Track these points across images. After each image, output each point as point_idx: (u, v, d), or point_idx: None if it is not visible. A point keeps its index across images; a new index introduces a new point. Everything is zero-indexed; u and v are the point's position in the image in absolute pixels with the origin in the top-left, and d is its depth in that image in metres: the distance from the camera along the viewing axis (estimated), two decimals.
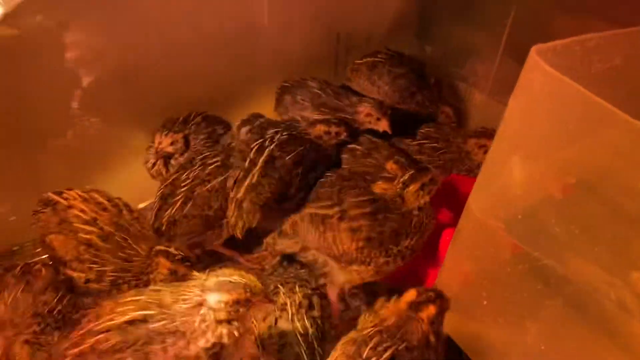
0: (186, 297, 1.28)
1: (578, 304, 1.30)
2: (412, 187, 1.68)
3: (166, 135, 2.10)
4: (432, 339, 1.36)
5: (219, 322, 1.27)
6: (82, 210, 1.73)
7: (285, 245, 1.75)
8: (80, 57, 1.97)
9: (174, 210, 1.92)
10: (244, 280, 1.30)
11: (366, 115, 2.15)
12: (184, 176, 1.96)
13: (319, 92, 2.27)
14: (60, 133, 2.11)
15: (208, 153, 2.01)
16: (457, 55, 2.51)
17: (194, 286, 1.30)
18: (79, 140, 2.14)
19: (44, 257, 1.90)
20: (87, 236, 1.69)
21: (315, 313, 1.64)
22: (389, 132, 2.13)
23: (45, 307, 1.55)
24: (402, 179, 1.70)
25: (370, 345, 1.30)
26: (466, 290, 1.53)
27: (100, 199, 1.78)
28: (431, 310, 1.37)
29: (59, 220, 1.73)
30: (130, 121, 2.22)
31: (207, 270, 1.35)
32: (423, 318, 1.36)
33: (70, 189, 1.81)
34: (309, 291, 1.69)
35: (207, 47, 2.18)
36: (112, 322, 1.29)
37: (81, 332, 1.33)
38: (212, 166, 1.96)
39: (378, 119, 2.13)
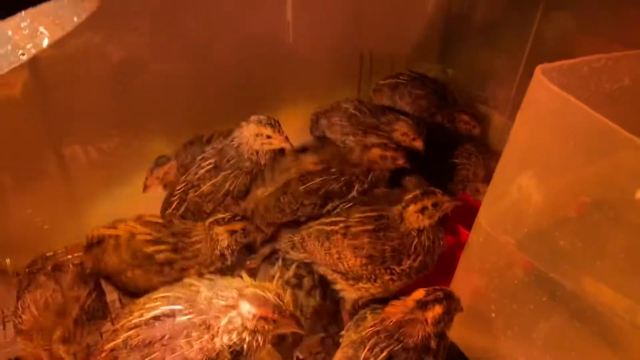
0: (225, 295, 1.32)
1: (585, 318, 1.32)
2: (412, 208, 1.65)
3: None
4: (432, 344, 1.36)
5: (245, 329, 1.30)
6: (148, 234, 1.75)
7: (298, 258, 1.77)
8: (118, 71, 2.07)
9: (171, 210, 1.98)
10: (277, 300, 1.32)
11: (402, 134, 2.14)
12: (181, 178, 1.99)
13: (355, 112, 2.28)
14: (96, 146, 2.21)
15: (206, 154, 2.00)
16: (478, 79, 2.56)
17: (234, 288, 1.33)
18: (110, 152, 2.22)
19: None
20: (163, 255, 1.72)
21: (301, 295, 1.68)
22: (422, 152, 2.13)
23: (76, 303, 1.61)
24: (406, 198, 1.69)
25: (367, 346, 1.32)
26: (475, 303, 1.55)
27: (153, 219, 1.81)
28: (437, 310, 1.37)
29: (131, 255, 1.73)
30: (156, 132, 2.29)
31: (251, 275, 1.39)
32: (428, 318, 1.37)
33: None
34: (304, 273, 1.73)
35: (232, 63, 2.26)
36: (141, 318, 1.34)
37: (115, 327, 1.39)
38: (204, 169, 1.94)
39: (413, 139, 2.12)
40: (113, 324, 1.45)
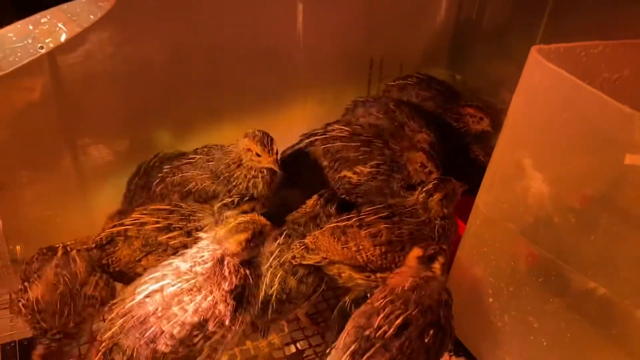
0: (204, 258, 1.36)
1: (583, 303, 1.31)
2: (437, 196, 1.72)
3: None
4: (445, 296, 1.37)
5: (243, 264, 1.36)
6: (156, 222, 1.77)
7: (314, 260, 1.75)
8: (132, 75, 2.13)
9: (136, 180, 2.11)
10: (248, 217, 1.41)
11: (420, 165, 2.02)
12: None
13: (394, 108, 2.28)
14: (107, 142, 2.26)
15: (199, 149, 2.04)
16: (487, 85, 2.58)
17: (207, 246, 1.38)
18: (120, 148, 2.27)
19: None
20: (177, 241, 1.73)
21: (292, 281, 1.69)
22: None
23: (84, 289, 1.63)
24: (425, 188, 1.75)
25: (382, 315, 1.32)
26: (473, 288, 1.55)
27: (161, 206, 1.84)
28: (441, 260, 1.43)
29: (142, 242, 1.75)
30: (165, 130, 2.33)
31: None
32: (437, 268, 1.42)
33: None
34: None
35: (243, 65, 2.31)
36: (133, 301, 1.36)
37: (110, 317, 1.40)
38: (185, 161, 2.00)
39: (430, 173, 2.02)
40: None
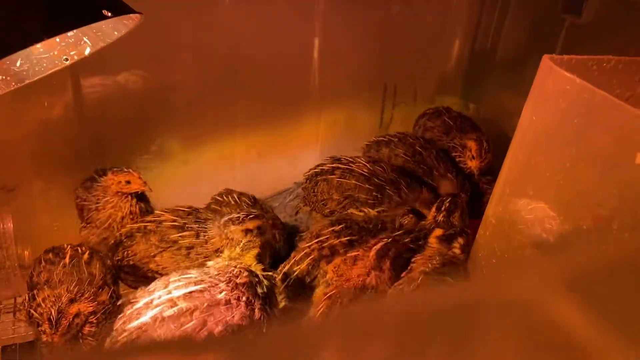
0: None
1: None
2: (457, 213, 1.77)
3: None
4: None
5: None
6: (174, 220, 1.83)
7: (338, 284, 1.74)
8: (147, 86, 2.20)
9: None
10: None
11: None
12: None
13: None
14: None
15: None
16: (501, 114, 2.60)
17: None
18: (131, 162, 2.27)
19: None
20: (187, 241, 1.78)
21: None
22: None
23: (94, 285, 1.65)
24: (444, 208, 1.78)
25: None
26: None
27: (182, 208, 1.90)
28: (461, 240, 1.54)
29: (159, 238, 1.80)
30: (179, 142, 2.37)
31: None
32: (457, 248, 1.53)
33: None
34: None
35: (256, 81, 2.35)
36: (170, 294, 1.37)
37: (137, 308, 1.40)
38: None
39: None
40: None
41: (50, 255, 1.76)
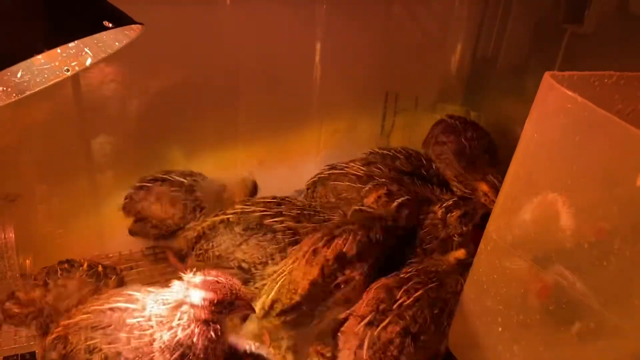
0: (167, 299, 1.35)
1: (592, 332, 1.28)
2: (456, 213, 1.78)
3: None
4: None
5: (198, 320, 1.31)
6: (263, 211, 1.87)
7: None
8: (148, 92, 2.21)
9: None
10: (231, 282, 1.35)
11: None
12: None
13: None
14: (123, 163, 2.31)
15: None
16: (502, 122, 2.60)
17: (176, 286, 1.36)
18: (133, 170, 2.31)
19: None
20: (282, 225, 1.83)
21: None
22: None
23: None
24: (444, 204, 1.80)
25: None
26: (482, 317, 1.52)
27: (268, 199, 1.95)
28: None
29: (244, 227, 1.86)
30: (179, 147, 2.39)
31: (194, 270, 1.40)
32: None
33: None
34: None
35: (257, 89, 2.38)
36: (101, 306, 1.39)
37: (78, 307, 1.45)
38: None
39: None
40: None
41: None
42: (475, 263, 1.57)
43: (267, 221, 1.79)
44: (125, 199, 2.19)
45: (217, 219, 1.88)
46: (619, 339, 1.25)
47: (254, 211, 1.83)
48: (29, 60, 1.59)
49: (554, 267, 1.35)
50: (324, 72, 2.44)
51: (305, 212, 1.84)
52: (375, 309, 1.41)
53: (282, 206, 1.86)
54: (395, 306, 1.37)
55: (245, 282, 1.75)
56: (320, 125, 2.55)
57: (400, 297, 1.39)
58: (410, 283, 1.46)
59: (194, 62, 2.20)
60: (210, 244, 1.83)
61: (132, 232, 2.21)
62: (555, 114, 1.26)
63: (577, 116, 1.21)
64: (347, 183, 2.09)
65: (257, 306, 1.61)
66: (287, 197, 1.96)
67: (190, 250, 1.92)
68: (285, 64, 2.38)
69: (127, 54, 1.95)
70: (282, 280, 1.60)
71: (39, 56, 1.64)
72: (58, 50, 1.68)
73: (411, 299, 1.37)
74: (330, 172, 2.18)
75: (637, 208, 1.18)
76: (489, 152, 2.33)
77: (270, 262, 1.76)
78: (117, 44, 1.72)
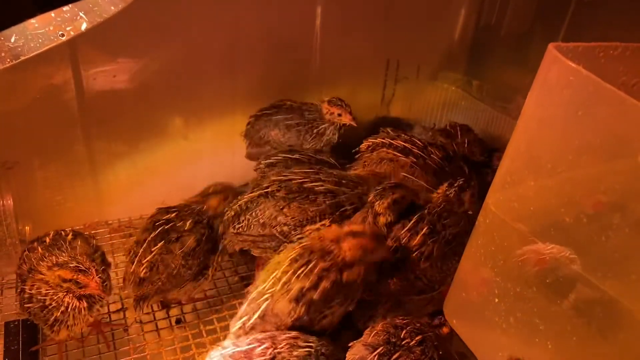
0: None
1: (588, 306, 1.29)
2: (469, 191, 1.80)
3: None
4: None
5: None
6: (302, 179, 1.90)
7: None
8: (147, 64, 2.17)
9: None
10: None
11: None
12: None
13: None
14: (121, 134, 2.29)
15: None
16: (504, 91, 2.57)
17: None
18: (133, 140, 2.32)
19: None
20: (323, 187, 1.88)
21: None
22: None
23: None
24: (456, 184, 1.81)
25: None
26: (479, 288, 1.53)
27: (305, 168, 1.98)
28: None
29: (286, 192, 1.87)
30: (179, 119, 2.37)
31: None
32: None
33: None
34: None
35: (258, 64, 2.35)
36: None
37: None
38: None
39: None
40: None
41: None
42: (473, 235, 1.57)
43: (308, 185, 1.85)
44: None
45: (255, 193, 1.91)
46: (615, 312, 1.26)
47: (292, 179, 1.89)
48: (22, 25, 1.57)
49: (553, 240, 1.36)
50: (324, 38, 2.39)
51: (343, 181, 1.91)
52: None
53: (320, 174, 1.92)
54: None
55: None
56: (320, 93, 2.51)
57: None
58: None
59: (192, 29, 2.15)
60: (253, 213, 1.88)
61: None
62: (558, 86, 1.24)
63: (580, 90, 1.19)
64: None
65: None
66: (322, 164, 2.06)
67: (227, 230, 1.93)
68: (284, 29, 2.33)
69: (126, 23, 1.97)
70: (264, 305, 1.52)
71: (33, 20, 1.61)
72: (52, 14, 1.65)
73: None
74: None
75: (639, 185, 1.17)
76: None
77: (310, 224, 1.83)
78: (112, 8, 1.69)
